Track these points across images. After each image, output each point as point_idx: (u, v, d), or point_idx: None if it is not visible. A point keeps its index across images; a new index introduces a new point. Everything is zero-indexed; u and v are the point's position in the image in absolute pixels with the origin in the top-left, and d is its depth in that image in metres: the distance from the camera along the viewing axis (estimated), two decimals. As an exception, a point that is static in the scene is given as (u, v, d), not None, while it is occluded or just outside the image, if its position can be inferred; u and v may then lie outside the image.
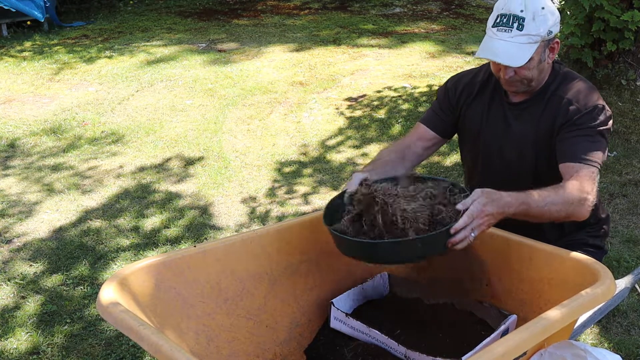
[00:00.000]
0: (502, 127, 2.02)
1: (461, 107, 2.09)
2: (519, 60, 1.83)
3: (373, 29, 8.86)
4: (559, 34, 4.88)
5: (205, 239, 3.70)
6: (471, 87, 2.09)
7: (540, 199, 1.71)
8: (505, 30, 1.83)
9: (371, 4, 10.46)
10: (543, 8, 1.84)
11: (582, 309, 1.53)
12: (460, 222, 1.59)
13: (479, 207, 1.60)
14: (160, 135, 5.28)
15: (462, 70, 7.20)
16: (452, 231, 1.58)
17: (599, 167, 1.85)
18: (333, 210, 1.78)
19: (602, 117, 1.89)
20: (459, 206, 1.62)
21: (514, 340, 1.38)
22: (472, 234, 1.60)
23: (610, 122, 1.92)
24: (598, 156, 1.85)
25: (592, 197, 1.78)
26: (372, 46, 7.88)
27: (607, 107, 1.92)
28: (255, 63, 7.23)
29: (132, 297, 1.59)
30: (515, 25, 1.82)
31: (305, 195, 4.25)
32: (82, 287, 3.24)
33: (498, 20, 1.86)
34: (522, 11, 1.82)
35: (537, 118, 1.96)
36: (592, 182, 1.80)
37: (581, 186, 1.77)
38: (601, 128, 1.88)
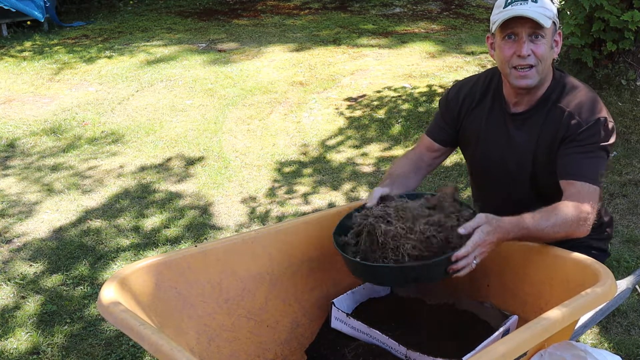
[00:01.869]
0: (503, 136, 2.02)
1: (463, 117, 2.10)
2: (543, 20, 1.82)
3: (373, 29, 8.86)
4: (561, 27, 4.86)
5: (205, 239, 3.70)
6: (472, 96, 2.09)
7: (539, 222, 1.72)
8: (521, 3, 1.84)
9: (371, 4, 10.45)
10: None
11: (583, 309, 1.53)
12: (463, 250, 1.61)
13: (483, 236, 1.63)
14: (160, 135, 5.28)
15: (461, 70, 7.16)
16: (453, 258, 1.60)
17: (600, 184, 1.85)
18: (345, 224, 1.81)
19: (604, 132, 1.87)
20: (461, 230, 1.63)
21: (515, 340, 1.38)
22: (474, 262, 1.63)
23: (614, 134, 1.91)
24: (599, 173, 1.85)
25: (591, 216, 1.79)
26: (372, 46, 7.88)
27: (609, 119, 1.90)
28: (255, 63, 7.23)
29: (132, 297, 1.59)
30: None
31: (305, 195, 4.25)
32: (82, 287, 3.24)
33: (510, 0, 1.86)
34: None
35: (538, 129, 1.95)
36: (593, 200, 1.80)
37: (581, 206, 1.77)
38: (603, 144, 1.87)
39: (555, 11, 1.88)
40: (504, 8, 1.87)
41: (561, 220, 1.73)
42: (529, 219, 1.72)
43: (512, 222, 1.69)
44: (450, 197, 1.80)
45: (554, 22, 1.87)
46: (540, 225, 1.72)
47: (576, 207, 1.76)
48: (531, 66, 1.88)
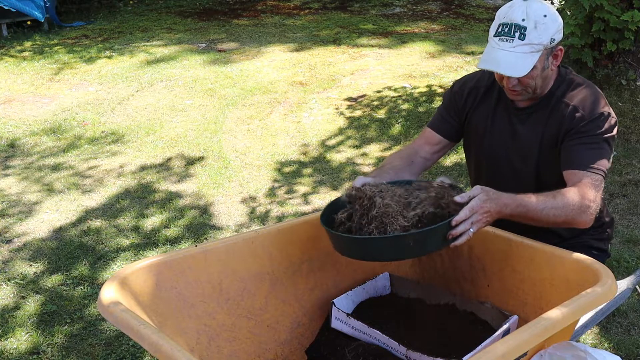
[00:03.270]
0: (508, 131, 2.02)
1: (467, 111, 2.09)
2: (521, 70, 1.82)
3: (373, 29, 8.86)
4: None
5: (205, 239, 3.70)
6: (477, 90, 2.08)
7: (539, 202, 1.72)
8: (507, 40, 1.82)
9: (371, 4, 10.45)
10: (545, 16, 1.82)
11: (583, 309, 1.53)
12: (461, 214, 1.59)
13: (479, 202, 1.61)
14: (161, 135, 5.28)
15: (461, 70, 7.15)
16: (453, 223, 1.58)
17: (604, 175, 1.85)
18: (332, 211, 1.77)
19: (607, 125, 1.88)
20: (457, 198, 1.62)
21: (515, 340, 1.38)
22: (472, 229, 1.60)
23: (616, 129, 1.92)
24: (603, 164, 1.84)
25: (595, 205, 1.78)
26: (372, 46, 7.88)
27: (612, 114, 1.91)
28: (255, 63, 7.23)
29: (133, 297, 1.59)
30: (517, 34, 1.81)
31: (305, 195, 4.25)
32: (82, 287, 3.24)
33: (500, 30, 1.85)
34: (523, 20, 1.81)
35: (543, 124, 1.96)
36: (596, 189, 1.80)
37: (583, 193, 1.77)
38: (606, 135, 1.88)
39: (552, 30, 1.84)
40: (493, 36, 1.87)
41: (562, 204, 1.73)
42: (529, 198, 1.71)
43: (510, 196, 1.68)
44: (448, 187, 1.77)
45: (547, 49, 1.84)
46: (540, 206, 1.71)
47: (578, 195, 1.76)
48: (519, 89, 1.91)
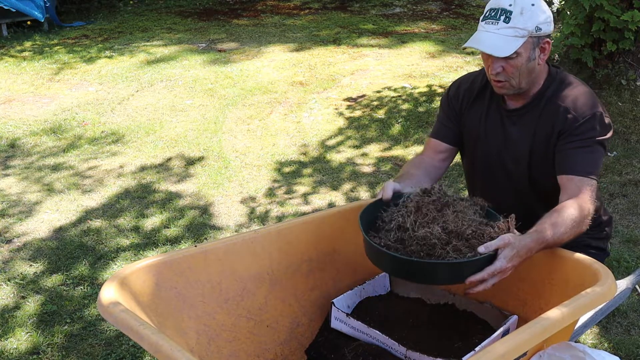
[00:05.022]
0: (500, 133, 2.03)
1: (463, 113, 2.10)
2: (503, 51, 1.83)
3: (373, 29, 8.86)
4: (556, 34, 4.83)
5: (205, 239, 3.70)
6: (470, 92, 2.09)
7: (555, 231, 1.71)
8: (492, 23, 1.85)
9: (371, 4, 10.45)
10: (533, 5, 1.84)
11: (583, 309, 1.53)
12: (479, 275, 1.59)
13: (505, 263, 1.60)
14: (160, 135, 5.28)
15: (461, 70, 7.15)
16: (467, 282, 1.60)
17: (597, 179, 1.87)
18: (368, 218, 1.77)
19: (600, 126, 1.88)
20: (481, 249, 1.59)
21: (515, 340, 1.38)
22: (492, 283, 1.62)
23: (611, 130, 1.92)
24: (597, 167, 1.86)
25: (592, 211, 1.81)
26: (372, 46, 7.88)
27: (605, 114, 1.91)
28: (255, 63, 7.23)
29: (132, 297, 1.59)
30: (502, 18, 1.83)
31: (305, 195, 4.25)
32: (82, 287, 3.24)
33: (487, 14, 1.88)
34: (510, 5, 1.84)
35: (534, 125, 1.96)
36: (592, 195, 1.82)
37: (583, 204, 1.78)
38: (600, 138, 1.88)
39: (540, 19, 1.84)
40: (481, 20, 1.89)
41: (570, 225, 1.74)
42: (547, 232, 1.70)
43: (534, 239, 1.67)
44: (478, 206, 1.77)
45: (532, 37, 1.84)
46: (556, 235, 1.71)
47: (579, 207, 1.78)
48: (504, 79, 1.91)
